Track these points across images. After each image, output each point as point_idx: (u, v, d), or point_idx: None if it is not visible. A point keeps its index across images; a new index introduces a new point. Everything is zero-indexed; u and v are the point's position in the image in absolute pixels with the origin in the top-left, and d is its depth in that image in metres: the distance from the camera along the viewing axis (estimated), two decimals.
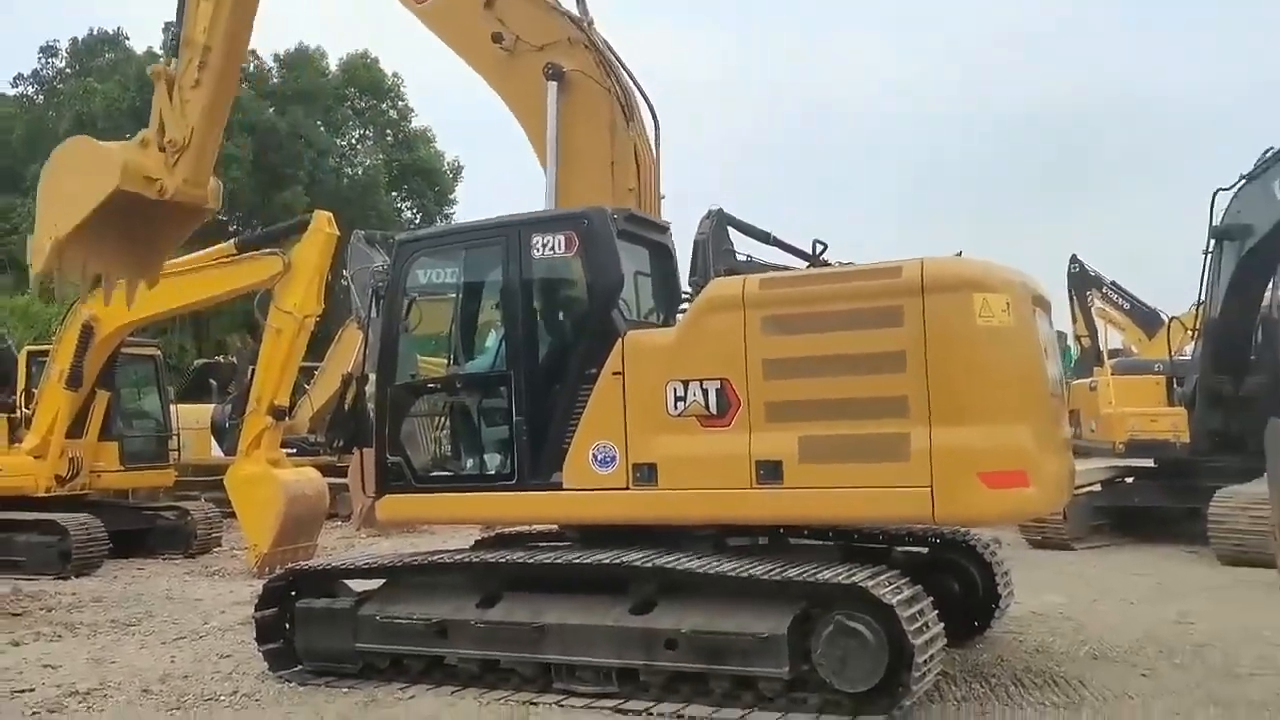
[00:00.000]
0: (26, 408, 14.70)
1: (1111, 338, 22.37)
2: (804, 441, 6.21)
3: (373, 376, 7.76)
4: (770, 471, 6.28)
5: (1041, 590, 10.07)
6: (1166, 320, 18.06)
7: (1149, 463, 14.13)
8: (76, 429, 14.56)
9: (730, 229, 16.77)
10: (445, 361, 7.87)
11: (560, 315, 7.49)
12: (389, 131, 45.44)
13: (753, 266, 17.28)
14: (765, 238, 16.71)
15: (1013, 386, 6.11)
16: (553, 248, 7.07)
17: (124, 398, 16.03)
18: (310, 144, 39.94)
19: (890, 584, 5.95)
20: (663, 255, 7.99)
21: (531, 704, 6.46)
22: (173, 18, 10.12)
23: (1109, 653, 7.56)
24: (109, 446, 15.21)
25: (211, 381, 22.38)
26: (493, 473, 7.28)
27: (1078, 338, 23.13)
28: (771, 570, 6.13)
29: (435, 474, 7.51)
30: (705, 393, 6.45)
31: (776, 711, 6.00)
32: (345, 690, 7.02)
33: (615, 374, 6.73)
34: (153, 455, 16.24)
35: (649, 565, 6.36)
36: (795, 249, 17.28)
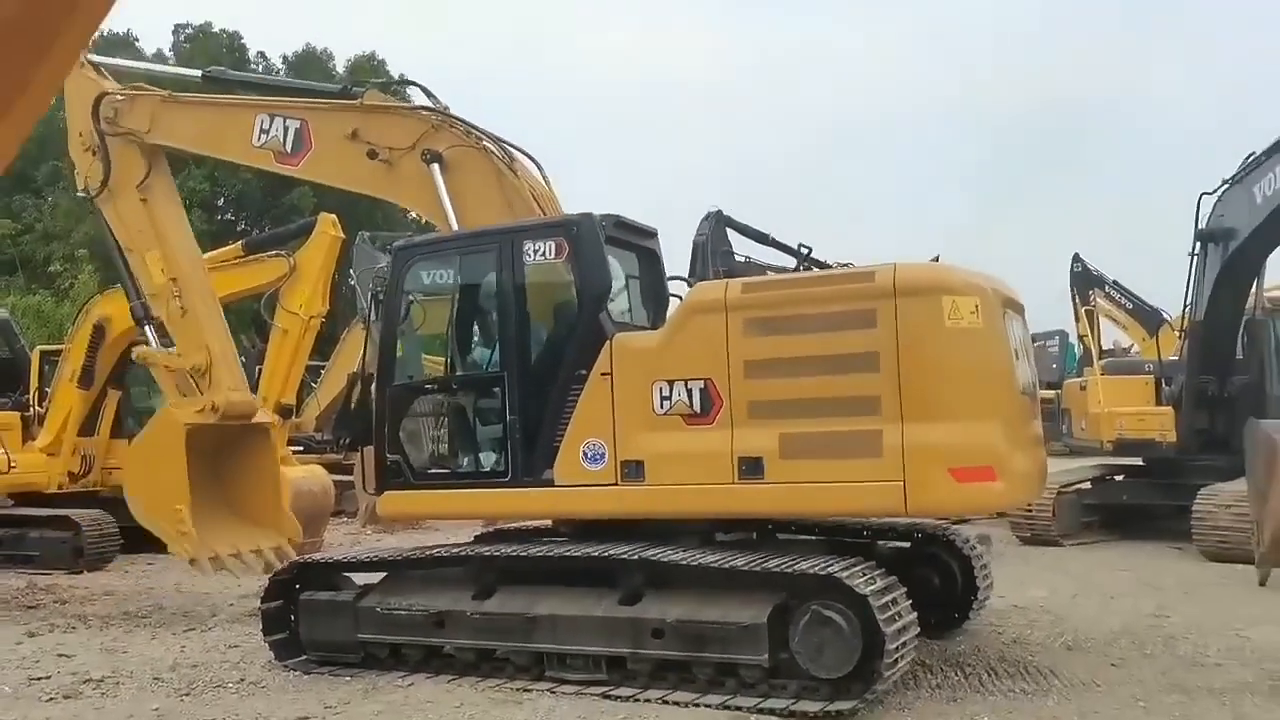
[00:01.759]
0: (40, 406, 15.02)
1: (1117, 337, 22.60)
2: (784, 439, 6.50)
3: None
4: (752, 467, 6.57)
5: (1026, 585, 10.36)
6: (1168, 320, 18.30)
7: (1138, 461, 14.39)
8: (89, 427, 14.87)
9: (729, 230, 17.04)
10: (445, 362, 8.17)
11: (551, 318, 7.80)
12: None
13: (750, 267, 17.54)
14: (763, 239, 16.98)
15: (981, 386, 6.42)
16: (544, 253, 7.38)
17: (135, 396, 16.27)
18: None
19: (864, 575, 6.25)
20: (651, 260, 8.29)
21: (525, 690, 6.76)
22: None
23: (1083, 644, 7.83)
24: (120, 444, 15.45)
25: None
26: (488, 470, 7.57)
27: (1080, 336, 23.33)
28: (752, 562, 6.42)
29: (433, 471, 7.80)
30: (690, 392, 6.74)
31: (756, 697, 6.29)
32: (347, 679, 7.32)
33: (604, 374, 7.01)
34: None
35: (635, 558, 6.66)
36: (792, 250, 17.52)
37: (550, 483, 7.18)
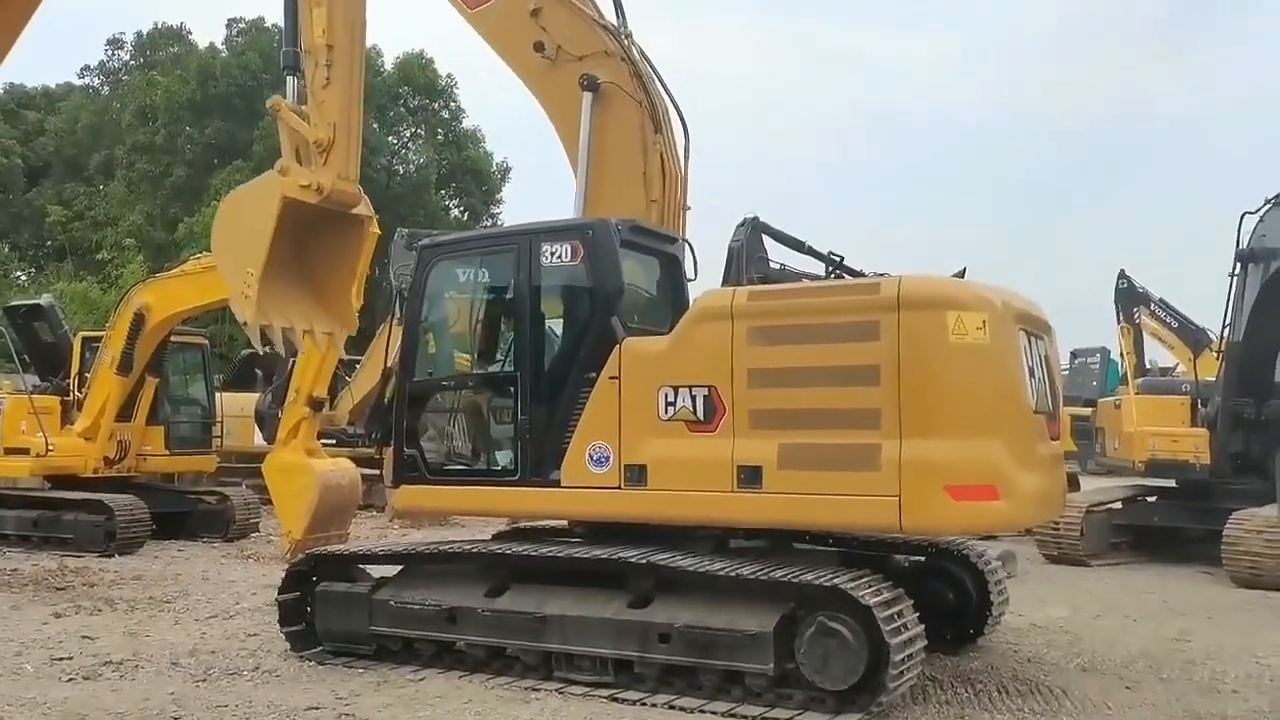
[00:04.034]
0: (79, 391, 15.31)
1: (1159, 356, 22.26)
2: (783, 449, 6.49)
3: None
4: (750, 476, 6.56)
5: (1047, 603, 10.26)
6: (1212, 340, 17.99)
7: (1170, 483, 14.18)
8: (125, 413, 15.14)
9: (766, 237, 17.00)
10: (466, 359, 8.26)
11: (565, 320, 7.87)
12: (440, 130, 46.10)
13: (786, 274, 17.48)
14: (800, 246, 16.86)
15: (986, 403, 6.31)
16: (560, 256, 7.41)
17: (172, 384, 16.61)
18: (362, 141, 40.63)
19: (870, 587, 6.22)
20: (672, 265, 8.32)
21: (533, 690, 6.81)
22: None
23: (1099, 666, 7.75)
24: (156, 431, 15.80)
25: (257, 371, 22.94)
26: (499, 468, 7.65)
27: (1123, 354, 23.02)
28: (758, 571, 6.42)
29: (447, 467, 7.89)
30: (694, 399, 6.76)
31: (762, 706, 6.29)
32: (360, 671, 7.40)
33: (612, 378, 7.05)
34: (197, 441, 16.82)
35: (643, 561, 6.68)
36: (824, 257, 17.41)
37: (557, 483, 7.23)
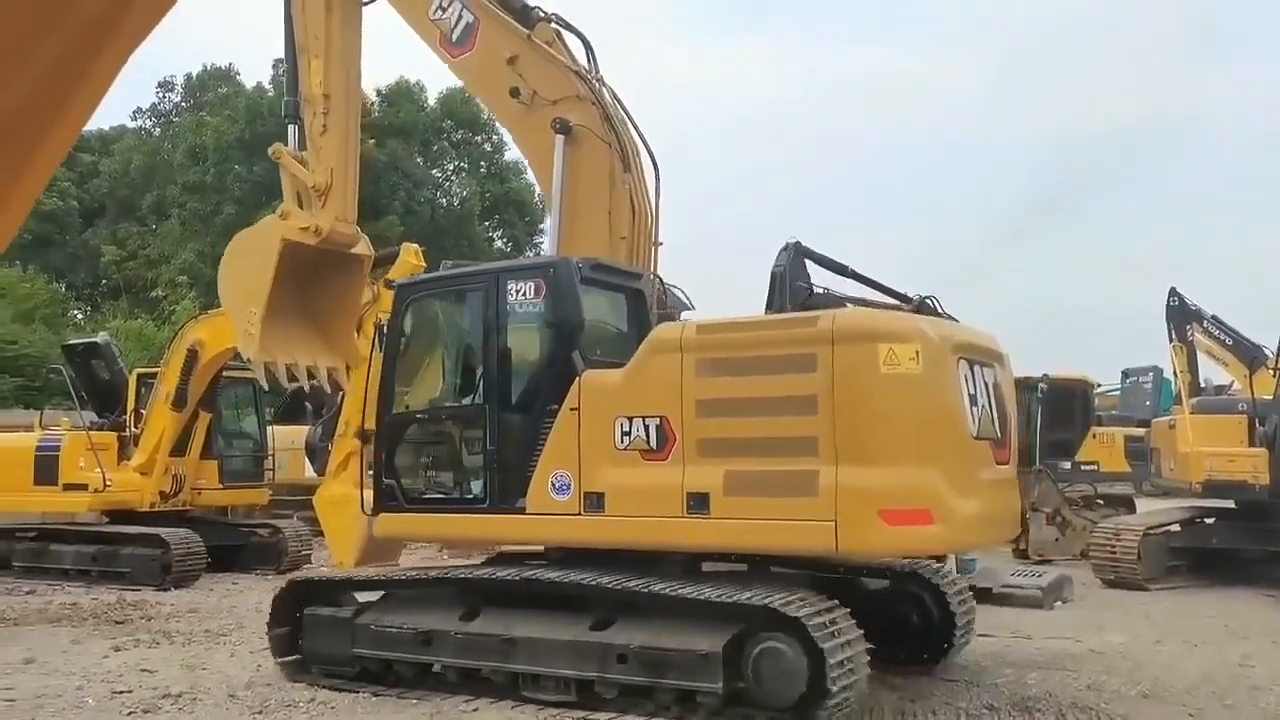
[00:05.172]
0: (135, 427, 15.58)
1: (1212, 374, 21.86)
2: (728, 476, 6.75)
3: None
4: (699, 503, 6.82)
5: (1105, 629, 10.11)
6: (1269, 357, 17.65)
7: (1229, 504, 13.90)
8: (180, 448, 15.40)
9: (808, 261, 16.97)
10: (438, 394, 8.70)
11: (529, 355, 8.21)
12: (483, 164, 46.60)
13: (829, 299, 17.42)
14: (842, 270, 16.81)
15: (918, 430, 6.59)
16: (524, 294, 7.79)
17: (225, 419, 16.84)
18: (406, 175, 41.20)
19: (805, 603, 6.40)
20: (637, 300, 8.55)
21: (587, 717, 6.83)
22: (280, 54, 10.96)
23: (1161, 693, 7.61)
24: (209, 465, 16.03)
25: (307, 404, 23.21)
26: (470, 496, 8.00)
27: (1176, 372, 22.63)
28: (694, 592, 6.68)
29: (422, 496, 8.25)
30: (647, 429, 7.04)
31: None
32: (414, 701, 7.45)
33: (573, 409, 7.34)
34: (250, 474, 17.03)
35: (592, 583, 7.04)
36: (873, 282, 17.37)
37: (523, 510, 7.51)
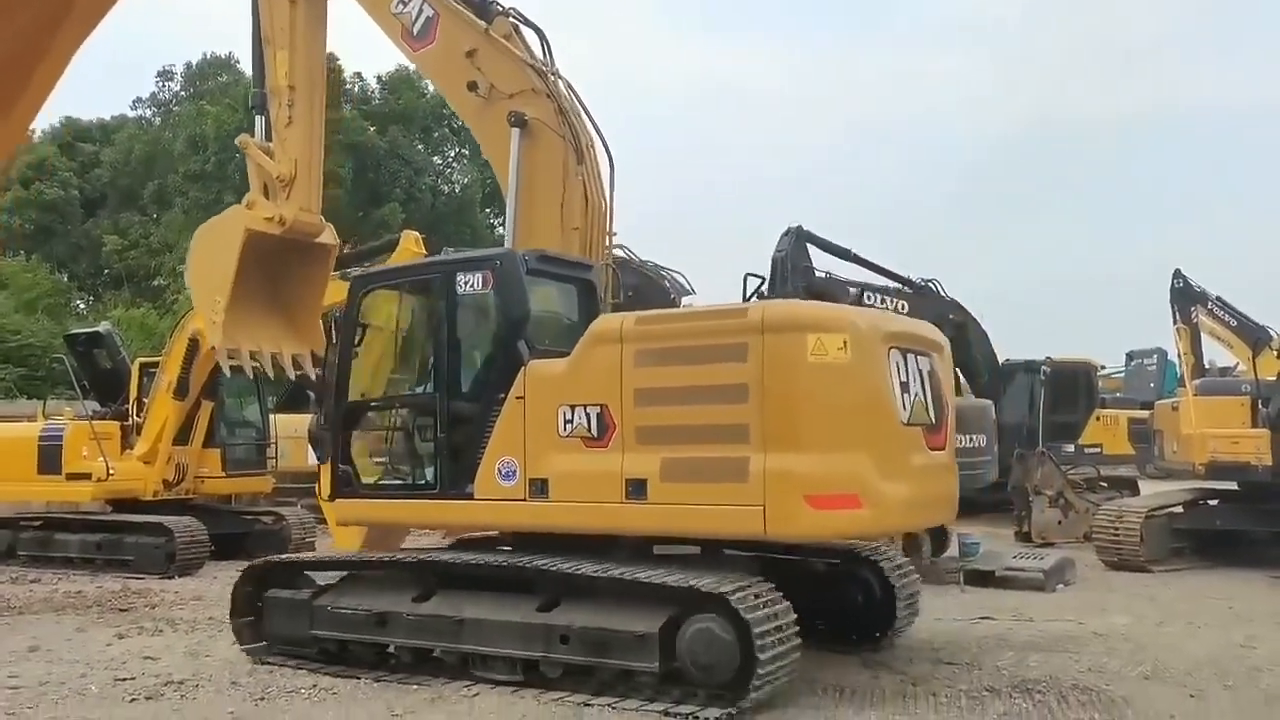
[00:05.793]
0: (138, 416, 15.58)
1: (1217, 356, 21.79)
2: (665, 463, 6.94)
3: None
4: (637, 489, 7.02)
5: (1108, 611, 10.11)
6: (1274, 337, 17.58)
7: (1233, 486, 13.88)
8: (183, 436, 15.41)
9: (810, 245, 16.85)
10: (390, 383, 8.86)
11: (478, 345, 8.35)
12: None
13: (831, 283, 17.33)
14: (845, 254, 16.76)
15: (846, 417, 6.75)
16: (473, 285, 7.94)
17: (227, 407, 16.82)
18: (408, 162, 41.13)
19: (732, 583, 6.54)
20: (587, 290, 8.64)
21: (586, 705, 6.84)
22: None
23: (1163, 674, 7.61)
24: (212, 453, 16.03)
25: (309, 392, 23.18)
26: (422, 482, 8.17)
27: (1180, 355, 22.57)
28: (626, 574, 6.90)
29: (376, 482, 8.45)
30: (589, 417, 7.22)
31: (669, 701, 6.71)
32: (415, 687, 7.45)
33: (518, 398, 7.51)
34: (253, 462, 17.01)
35: (529, 566, 7.23)
36: (875, 265, 17.31)
37: (471, 496, 7.68)
